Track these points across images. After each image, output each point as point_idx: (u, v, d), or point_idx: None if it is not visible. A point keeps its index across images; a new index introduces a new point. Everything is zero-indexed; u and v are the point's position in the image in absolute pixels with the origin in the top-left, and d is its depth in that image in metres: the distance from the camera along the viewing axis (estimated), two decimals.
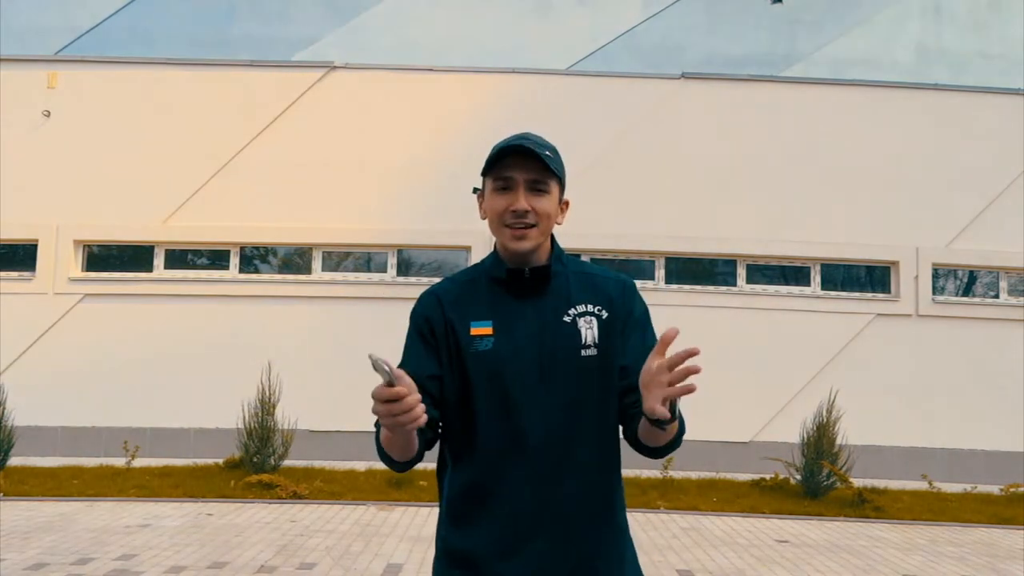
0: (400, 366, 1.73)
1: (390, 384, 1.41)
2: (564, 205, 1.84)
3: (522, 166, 1.73)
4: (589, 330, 1.75)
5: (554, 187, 1.77)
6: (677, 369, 1.46)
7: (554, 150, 1.78)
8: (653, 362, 1.51)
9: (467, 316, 1.77)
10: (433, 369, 1.75)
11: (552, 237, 1.83)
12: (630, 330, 1.79)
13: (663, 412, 1.49)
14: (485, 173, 1.78)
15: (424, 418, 1.46)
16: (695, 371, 1.46)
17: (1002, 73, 10.58)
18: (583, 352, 1.74)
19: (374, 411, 1.45)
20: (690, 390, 1.46)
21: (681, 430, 1.70)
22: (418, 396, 1.45)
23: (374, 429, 1.69)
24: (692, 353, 1.46)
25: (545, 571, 1.70)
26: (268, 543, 6.12)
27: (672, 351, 1.57)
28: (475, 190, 1.89)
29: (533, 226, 1.74)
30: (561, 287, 1.80)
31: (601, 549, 1.75)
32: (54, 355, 9.68)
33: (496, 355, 1.73)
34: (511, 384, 1.71)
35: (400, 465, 1.72)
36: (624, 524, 1.82)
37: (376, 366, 1.40)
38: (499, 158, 1.74)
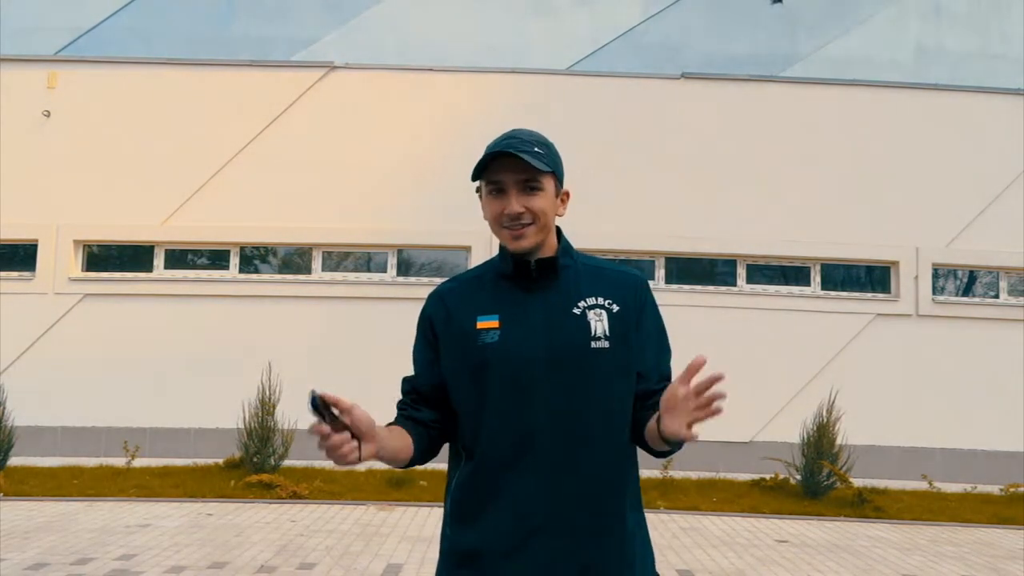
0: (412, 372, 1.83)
1: (322, 422, 1.48)
2: (564, 196, 1.81)
3: (510, 167, 1.70)
4: (599, 322, 1.73)
5: (548, 182, 1.74)
6: (706, 395, 1.49)
7: (544, 144, 1.75)
8: (680, 388, 1.52)
9: (473, 311, 1.75)
10: (435, 379, 1.78)
11: (559, 230, 1.81)
12: (646, 334, 1.78)
13: (690, 435, 1.52)
14: (476, 178, 1.75)
15: (354, 456, 1.50)
16: (722, 396, 1.49)
17: (1002, 73, 10.58)
18: (593, 344, 1.71)
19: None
20: (718, 411, 1.49)
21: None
22: (345, 436, 1.49)
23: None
24: (717, 379, 1.49)
25: (552, 570, 1.65)
26: (268, 543, 6.12)
27: (676, 363, 1.59)
28: (478, 188, 1.88)
29: (530, 224, 1.72)
30: (570, 280, 1.77)
31: (612, 549, 1.70)
32: (54, 355, 9.67)
33: (503, 347, 1.71)
34: (519, 376, 1.69)
35: (397, 464, 1.73)
36: (638, 523, 1.77)
37: (312, 404, 1.48)
38: (487, 163, 1.71)
